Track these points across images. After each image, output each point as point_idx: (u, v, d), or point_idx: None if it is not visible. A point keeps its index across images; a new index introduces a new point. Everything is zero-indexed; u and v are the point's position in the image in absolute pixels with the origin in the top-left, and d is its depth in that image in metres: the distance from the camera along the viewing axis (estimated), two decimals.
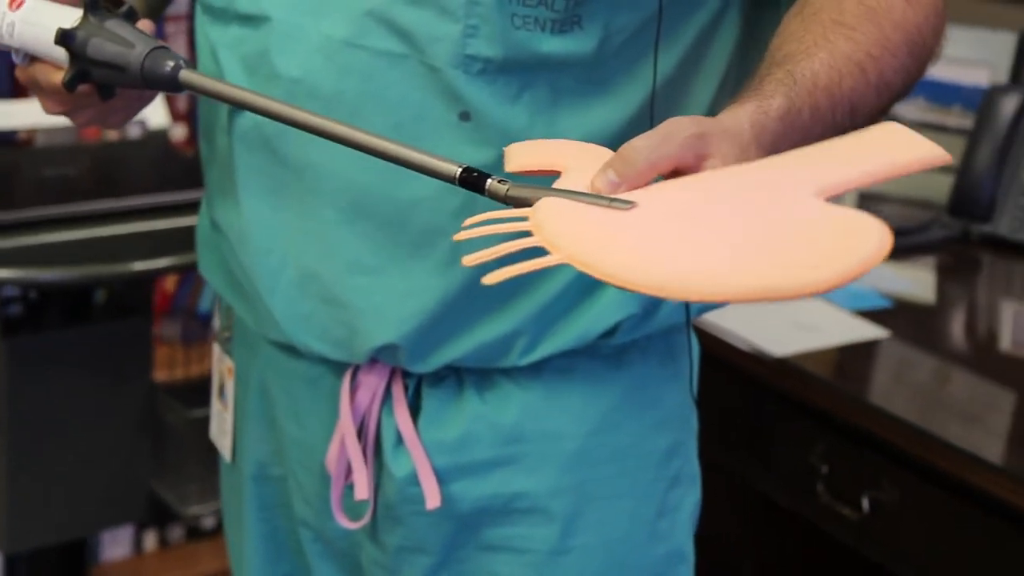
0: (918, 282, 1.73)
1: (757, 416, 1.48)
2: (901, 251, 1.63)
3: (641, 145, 0.69)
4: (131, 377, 1.56)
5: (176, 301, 2.00)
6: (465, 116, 0.88)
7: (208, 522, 2.10)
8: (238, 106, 0.81)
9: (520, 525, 0.98)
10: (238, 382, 1.09)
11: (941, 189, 1.90)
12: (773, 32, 0.99)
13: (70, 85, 0.86)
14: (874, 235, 0.60)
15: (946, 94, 1.94)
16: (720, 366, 1.44)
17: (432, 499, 0.97)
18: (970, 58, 1.94)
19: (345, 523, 1.01)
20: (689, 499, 1.04)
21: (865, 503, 1.33)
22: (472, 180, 0.72)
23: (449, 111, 0.88)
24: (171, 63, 0.84)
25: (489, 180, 0.72)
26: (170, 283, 1.99)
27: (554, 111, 0.89)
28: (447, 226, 0.90)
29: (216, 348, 1.13)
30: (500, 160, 0.87)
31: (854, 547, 1.38)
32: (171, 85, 0.84)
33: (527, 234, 0.66)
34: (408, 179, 0.87)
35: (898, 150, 0.69)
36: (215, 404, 1.14)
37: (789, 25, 0.85)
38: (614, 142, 0.89)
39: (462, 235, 0.67)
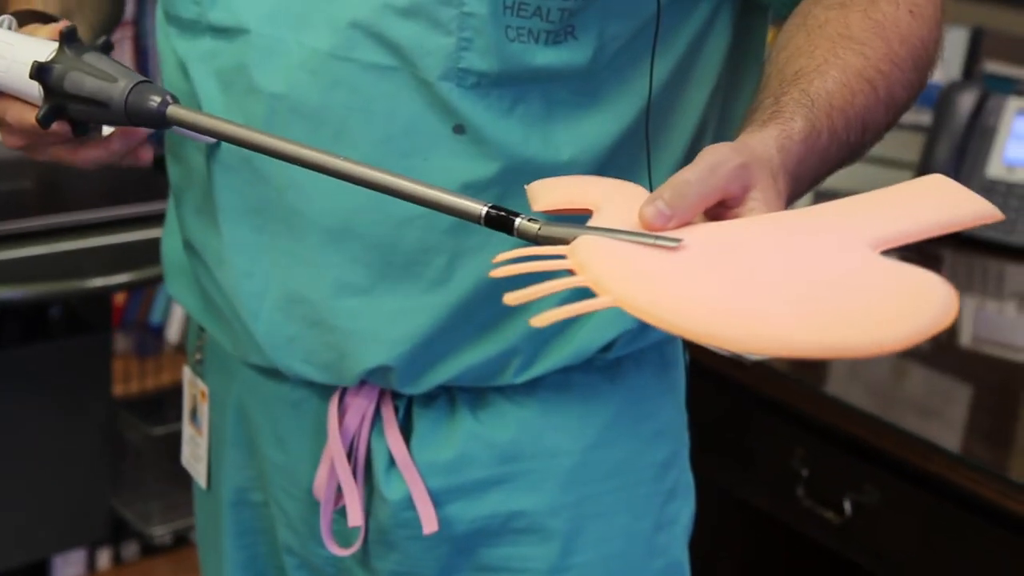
0: None
1: (736, 420, 1.47)
2: None
3: (692, 177, 0.67)
4: (90, 394, 1.52)
5: (127, 314, 1.96)
6: (460, 129, 0.85)
7: (163, 538, 2.05)
8: (231, 142, 0.78)
9: (518, 545, 0.96)
10: (213, 406, 1.06)
11: None
12: (762, 39, 0.98)
13: (45, 121, 0.81)
14: (939, 293, 0.57)
15: None
16: (699, 370, 1.42)
17: (429, 524, 0.94)
18: None
19: (335, 550, 0.98)
20: (685, 511, 1.03)
21: (847, 506, 1.32)
22: (499, 219, 0.69)
23: (442, 124, 0.85)
24: (157, 98, 0.79)
25: (518, 220, 0.68)
26: (120, 296, 1.94)
27: (548, 123, 0.87)
28: (440, 244, 0.87)
29: (187, 371, 1.09)
30: (497, 175, 0.86)
31: (837, 550, 1.37)
32: (157, 121, 0.80)
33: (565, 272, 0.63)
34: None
35: (950, 204, 0.66)
36: (187, 429, 1.10)
37: (795, 38, 0.83)
38: (611, 153, 0.89)
39: (498, 272, 0.63)
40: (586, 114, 0.88)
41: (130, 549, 2.06)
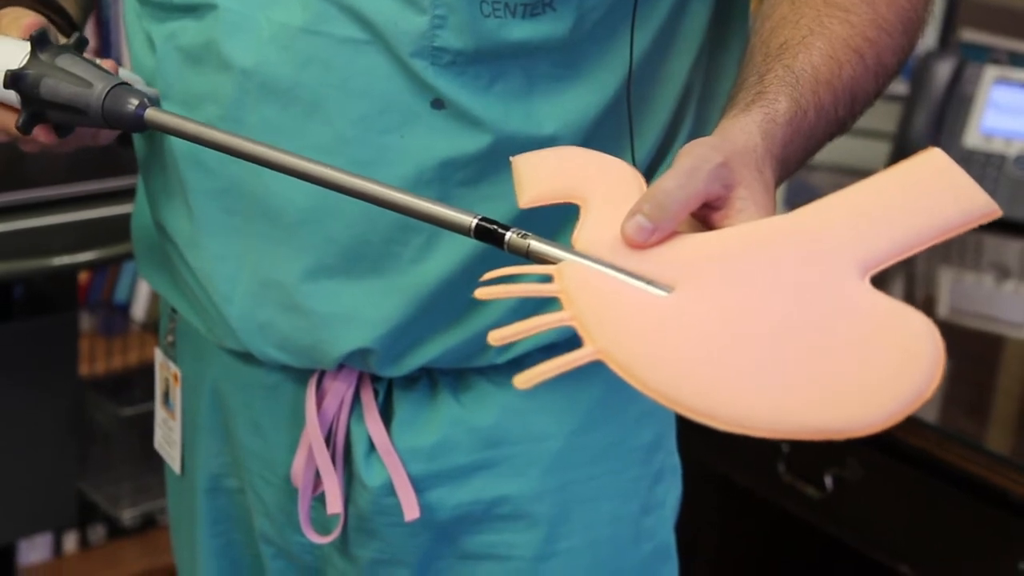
0: None
1: None
2: None
3: (671, 186, 0.64)
4: (56, 375, 1.48)
5: (91, 293, 1.92)
6: (439, 104, 0.82)
7: (132, 520, 2.02)
8: (210, 147, 0.75)
9: (502, 532, 0.94)
10: (186, 390, 1.02)
11: (877, 157, 1.88)
12: (745, 3, 0.95)
13: (25, 129, 0.80)
14: (928, 351, 0.56)
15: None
16: None
17: (410, 511, 0.92)
18: None
19: (314, 538, 0.96)
20: (672, 494, 1.01)
21: (828, 481, 1.31)
22: (489, 232, 0.67)
23: (419, 100, 0.82)
24: (134, 101, 0.78)
25: (508, 234, 0.66)
26: (84, 274, 1.90)
27: (530, 98, 0.84)
28: (417, 223, 0.83)
29: (158, 354, 1.06)
30: (478, 151, 0.83)
31: (818, 525, 1.36)
32: (135, 124, 0.78)
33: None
34: (376, 173, 0.81)
35: (945, 201, 0.63)
36: (159, 412, 1.07)
37: (779, 7, 0.81)
38: (594, 126, 0.86)
39: (482, 293, 0.62)
40: (568, 87, 0.85)
41: (97, 532, 2.03)
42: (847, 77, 0.77)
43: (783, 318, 0.59)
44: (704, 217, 0.67)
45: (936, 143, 1.80)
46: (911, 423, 1.24)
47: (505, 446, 0.93)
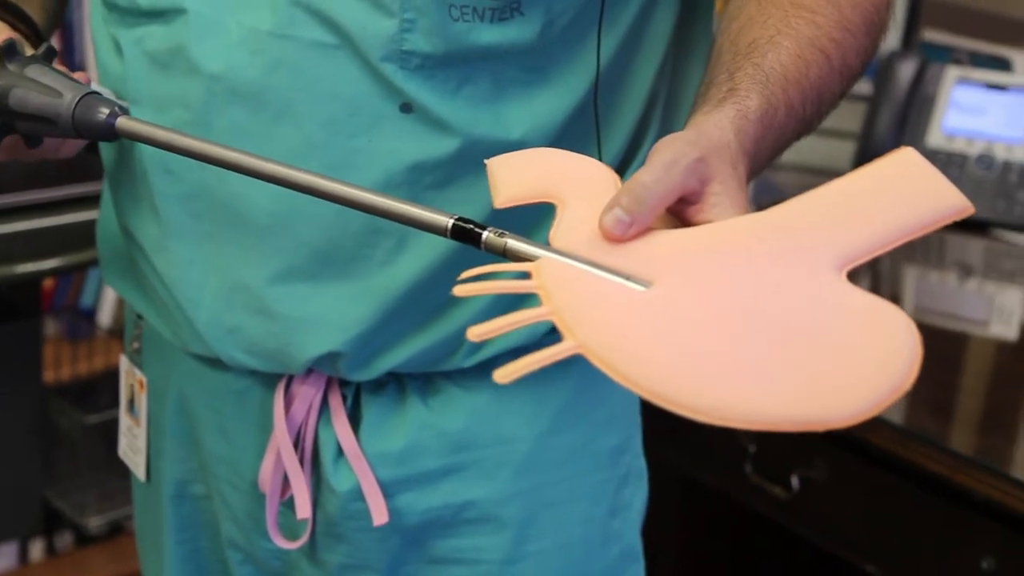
0: None
1: None
2: None
3: (648, 180, 0.65)
4: (21, 382, 1.47)
5: (56, 298, 1.90)
6: (407, 107, 0.82)
7: (99, 528, 2.01)
8: (181, 153, 0.75)
9: (471, 536, 0.94)
10: (152, 397, 1.02)
11: (842, 156, 1.89)
12: (709, 7, 0.96)
13: None
14: (905, 344, 0.56)
15: None
16: None
17: (379, 515, 0.92)
18: None
19: (282, 543, 0.95)
20: (639, 496, 1.01)
21: (795, 481, 1.32)
22: (466, 232, 0.67)
23: (388, 103, 0.82)
24: (105, 110, 0.77)
25: (485, 233, 0.66)
26: (49, 280, 1.88)
27: (498, 102, 0.84)
28: (387, 225, 0.84)
29: (124, 360, 1.05)
30: (447, 155, 0.83)
31: (785, 525, 1.37)
32: (106, 133, 0.77)
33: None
34: (345, 176, 0.81)
35: (918, 199, 0.64)
36: (124, 419, 1.06)
37: (746, 8, 0.81)
38: (562, 130, 0.86)
39: (461, 291, 0.62)
40: (536, 91, 0.85)
41: (64, 540, 2.01)
42: (814, 77, 0.78)
43: (761, 312, 0.60)
44: (679, 212, 0.68)
45: (899, 143, 1.81)
46: (876, 423, 1.25)
47: (474, 450, 0.93)
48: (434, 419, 0.92)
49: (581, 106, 0.87)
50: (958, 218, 0.64)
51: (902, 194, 0.65)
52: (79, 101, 0.77)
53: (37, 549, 1.99)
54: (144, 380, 1.02)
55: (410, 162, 0.83)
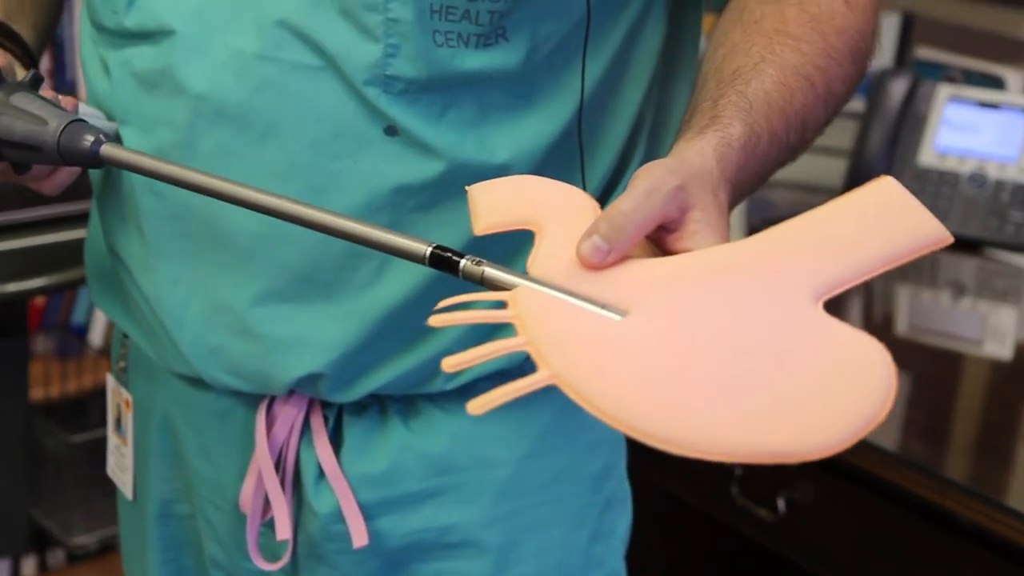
0: None
1: None
2: None
3: (627, 207, 0.64)
4: (7, 401, 1.46)
5: (47, 316, 1.90)
6: (392, 130, 0.82)
7: (89, 546, 2.00)
8: (166, 181, 0.75)
9: (452, 559, 0.93)
10: (138, 416, 1.02)
11: (834, 173, 1.89)
12: (695, 33, 0.96)
13: None
14: (880, 377, 0.57)
15: None
16: None
17: (359, 538, 0.91)
18: None
19: (262, 564, 0.95)
20: (622, 522, 1.01)
21: (781, 504, 1.31)
22: (444, 260, 0.66)
23: (372, 126, 0.82)
24: (90, 138, 0.77)
25: (463, 262, 0.66)
26: (39, 298, 1.88)
27: (482, 127, 0.84)
28: (369, 249, 0.84)
29: (110, 379, 1.05)
30: (431, 178, 0.83)
31: (771, 548, 1.36)
32: (91, 161, 0.77)
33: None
34: (329, 199, 0.83)
35: (897, 228, 0.64)
36: (112, 438, 1.06)
37: (731, 34, 0.81)
38: (546, 154, 0.87)
39: (436, 321, 0.62)
40: (521, 116, 0.85)
41: (56, 556, 2.01)
42: (798, 104, 0.78)
43: (737, 343, 0.60)
44: (658, 239, 0.68)
45: (891, 161, 1.81)
46: (863, 446, 1.23)
47: (455, 473, 0.92)
48: (416, 441, 0.92)
49: (566, 131, 0.87)
50: (937, 248, 0.64)
51: (881, 223, 0.65)
52: (64, 129, 0.78)
53: (29, 566, 1.99)
54: (130, 399, 1.02)
55: (394, 185, 0.83)
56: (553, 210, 0.70)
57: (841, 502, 1.28)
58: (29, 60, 0.91)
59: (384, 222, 0.83)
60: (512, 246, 0.84)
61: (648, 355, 0.60)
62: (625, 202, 0.65)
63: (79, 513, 1.71)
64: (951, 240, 0.64)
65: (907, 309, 1.69)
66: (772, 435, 0.55)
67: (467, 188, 0.73)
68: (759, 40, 0.79)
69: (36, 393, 1.75)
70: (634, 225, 0.64)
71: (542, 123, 0.86)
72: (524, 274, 0.65)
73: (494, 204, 0.72)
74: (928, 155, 1.82)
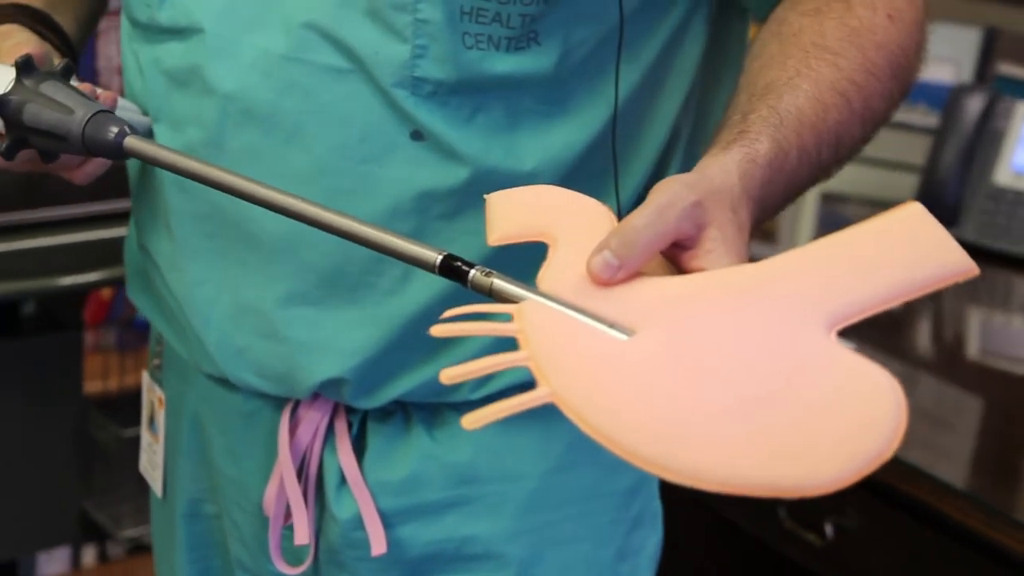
0: None
1: None
2: None
3: (640, 223, 0.63)
4: (61, 394, 1.48)
5: (112, 311, 1.92)
6: (418, 135, 0.82)
7: (143, 539, 2.03)
8: (186, 176, 0.75)
9: (473, 571, 0.92)
10: (170, 414, 1.02)
11: (905, 189, 1.85)
12: (739, 42, 0.94)
13: (7, 155, 0.80)
14: (890, 410, 0.55)
15: (911, 91, 1.89)
16: None
17: (377, 545, 0.90)
18: (935, 54, 1.89)
19: (284, 568, 0.95)
20: (651, 540, 0.99)
21: (829, 529, 1.28)
22: (454, 269, 0.65)
23: (399, 130, 0.81)
24: (115, 129, 0.77)
25: (472, 272, 0.64)
26: (106, 292, 1.91)
27: (512, 133, 0.83)
28: None
29: (145, 377, 1.06)
30: (457, 184, 0.82)
31: (819, 573, 1.33)
32: (115, 153, 0.77)
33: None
34: (354, 203, 0.82)
35: (920, 257, 0.62)
36: (145, 435, 1.07)
37: (768, 47, 0.79)
38: (578, 163, 0.85)
39: (438, 331, 0.60)
40: (552, 123, 0.84)
41: (117, 547, 2.04)
42: (832, 121, 0.75)
43: (743, 369, 0.58)
44: (673, 256, 0.66)
45: (965, 179, 1.76)
46: (919, 475, 1.21)
47: (478, 484, 0.91)
48: (439, 450, 0.91)
49: (599, 139, 0.85)
50: (961, 280, 0.62)
51: (904, 251, 0.62)
52: (89, 119, 0.78)
53: (89, 555, 2.02)
54: (163, 397, 1.03)
55: (419, 190, 0.82)
56: (568, 222, 0.69)
57: (892, 532, 1.25)
58: (68, 51, 0.92)
59: (409, 229, 0.83)
60: (538, 257, 0.83)
61: (650, 377, 0.58)
62: (638, 218, 0.63)
63: (129, 507, 1.73)
64: (976, 272, 0.62)
65: (978, 332, 1.65)
66: (770, 468, 0.53)
67: (485, 197, 0.72)
68: (795, 53, 0.77)
69: (94, 387, 1.78)
70: (646, 241, 0.63)
71: (573, 131, 0.85)
72: (533, 287, 0.63)
73: (510, 214, 0.71)
74: (1004, 174, 1.77)
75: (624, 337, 0.59)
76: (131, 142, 0.77)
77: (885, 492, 1.23)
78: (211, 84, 0.83)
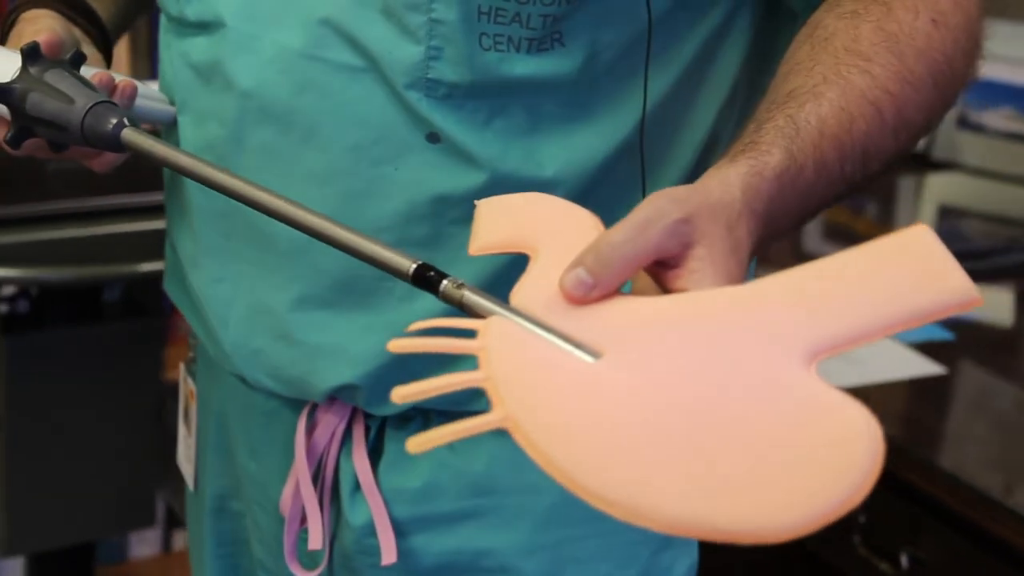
0: (994, 309, 1.59)
1: None
2: (976, 276, 1.48)
3: (618, 240, 0.59)
4: (141, 380, 1.50)
5: None
6: (434, 137, 0.79)
7: None
8: (182, 173, 0.73)
9: None
10: (200, 408, 1.02)
11: None
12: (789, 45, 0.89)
13: (13, 143, 0.80)
14: (860, 463, 0.50)
15: None
16: None
17: (388, 554, 0.88)
18: None
19: (298, 571, 0.94)
20: (682, 563, 0.94)
21: (904, 560, 1.21)
22: (426, 279, 0.63)
23: (414, 132, 0.79)
24: (113, 121, 0.76)
25: (444, 282, 0.62)
26: None
27: (532, 138, 0.80)
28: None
29: (182, 368, 1.06)
30: (473, 189, 0.80)
31: None
32: (113, 144, 0.76)
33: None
34: (368, 205, 0.80)
35: (919, 285, 0.57)
36: (181, 428, 1.07)
37: (798, 51, 0.75)
38: (602, 170, 0.82)
39: (394, 346, 0.58)
40: (575, 128, 0.81)
41: None
42: (859, 132, 0.70)
43: (709, 401, 0.54)
44: (657, 275, 0.62)
45: None
46: (1003, 512, 1.13)
47: (495, 496, 0.88)
48: (455, 460, 0.88)
49: (625, 146, 0.82)
50: (963, 310, 0.56)
51: (901, 278, 0.57)
52: (89, 109, 0.77)
53: (180, 540, 2.05)
54: (195, 391, 1.03)
55: (435, 194, 0.80)
56: (551, 233, 0.65)
57: (968, 567, 1.17)
58: (101, 37, 0.92)
59: (424, 233, 0.81)
60: None
61: (609, 404, 0.54)
62: (616, 233, 0.59)
63: None
64: (980, 302, 0.56)
65: None
66: (721, 509, 0.50)
67: (476, 203, 0.69)
68: (824, 59, 0.72)
69: (174, 375, 1.80)
70: (622, 260, 0.59)
71: (598, 137, 0.81)
72: (503, 302, 0.60)
73: (495, 222, 0.68)
74: None
75: (590, 359, 0.56)
76: (128, 135, 0.76)
77: (967, 526, 1.16)
78: (231, 80, 0.83)
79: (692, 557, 0.95)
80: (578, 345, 0.56)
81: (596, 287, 0.58)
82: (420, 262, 0.63)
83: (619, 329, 0.58)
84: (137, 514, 1.52)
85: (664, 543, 0.92)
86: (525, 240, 0.65)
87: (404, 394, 0.56)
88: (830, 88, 0.70)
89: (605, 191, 0.82)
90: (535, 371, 0.56)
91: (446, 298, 0.62)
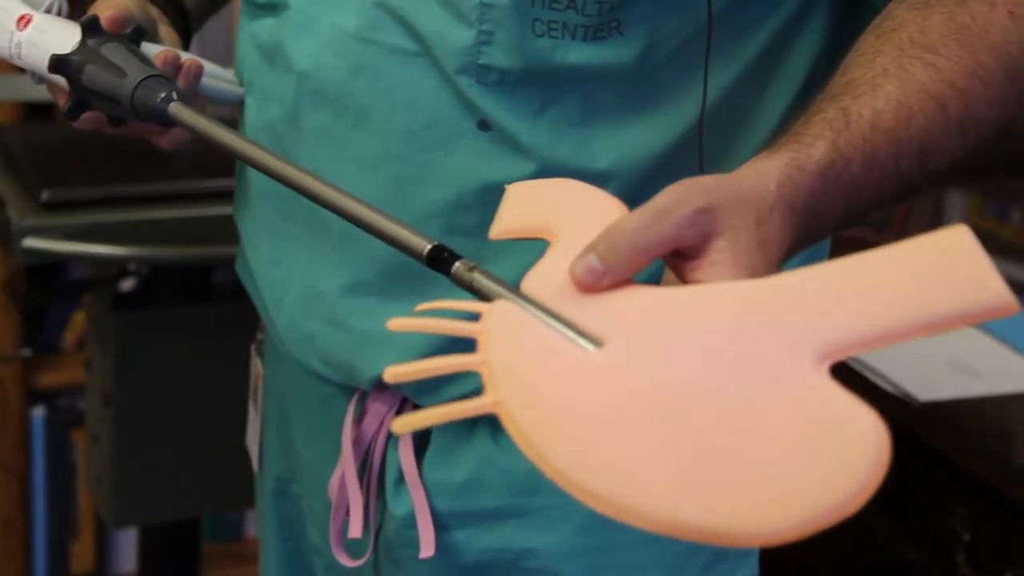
0: None
1: (896, 467, 1.29)
2: None
3: (631, 227, 0.57)
4: (235, 362, 1.52)
5: None
6: (485, 124, 0.78)
7: None
8: (218, 148, 0.74)
9: None
10: (265, 390, 1.03)
11: None
12: None
13: (71, 115, 0.81)
14: (862, 467, 0.48)
15: None
16: None
17: (426, 547, 0.87)
18: None
19: (342, 558, 0.93)
20: (738, 575, 0.90)
21: None
22: (441, 260, 0.62)
23: (466, 119, 0.78)
24: (162, 94, 0.77)
25: (456, 264, 0.61)
26: None
27: (586, 129, 0.78)
28: (459, 246, 0.79)
29: (252, 350, 1.07)
30: (524, 178, 0.77)
31: None
32: (162, 118, 0.77)
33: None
34: (419, 192, 0.80)
35: (950, 288, 0.54)
36: (250, 408, 1.07)
37: (863, 42, 0.71)
38: (657, 164, 0.79)
39: (394, 325, 0.58)
40: (632, 120, 0.79)
41: None
42: (917, 128, 0.67)
43: (708, 397, 0.52)
44: (675, 265, 0.60)
45: None
46: None
47: (539, 495, 0.86)
48: (501, 456, 0.86)
49: (683, 141, 0.79)
50: (998, 316, 0.54)
51: (932, 280, 0.54)
52: (140, 83, 0.77)
53: None
54: (261, 372, 1.03)
55: (483, 183, 0.79)
56: (572, 219, 0.64)
57: None
58: (182, 21, 0.93)
59: (472, 222, 0.79)
60: None
61: (606, 396, 0.53)
62: (630, 220, 0.58)
63: None
64: (1016, 309, 0.53)
65: None
66: (711, 510, 0.48)
67: (506, 186, 0.68)
68: (887, 50, 0.69)
69: None
70: (635, 248, 0.57)
71: (655, 130, 0.79)
72: (514, 287, 0.59)
73: (520, 208, 0.67)
74: None
75: (591, 348, 0.55)
76: (175, 108, 0.77)
77: None
78: (291, 61, 0.83)
79: (751, 569, 0.91)
80: (581, 333, 0.55)
81: (606, 275, 0.57)
82: (436, 243, 0.63)
83: (627, 319, 0.56)
84: (242, 492, 1.54)
85: (718, 555, 0.89)
86: (547, 226, 0.64)
87: (396, 373, 0.55)
88: (889, 81, 0.67)
89: (661, 186, 0.78)
90: (533, 357, 0.55)
91: (457, 279, 0.61)
